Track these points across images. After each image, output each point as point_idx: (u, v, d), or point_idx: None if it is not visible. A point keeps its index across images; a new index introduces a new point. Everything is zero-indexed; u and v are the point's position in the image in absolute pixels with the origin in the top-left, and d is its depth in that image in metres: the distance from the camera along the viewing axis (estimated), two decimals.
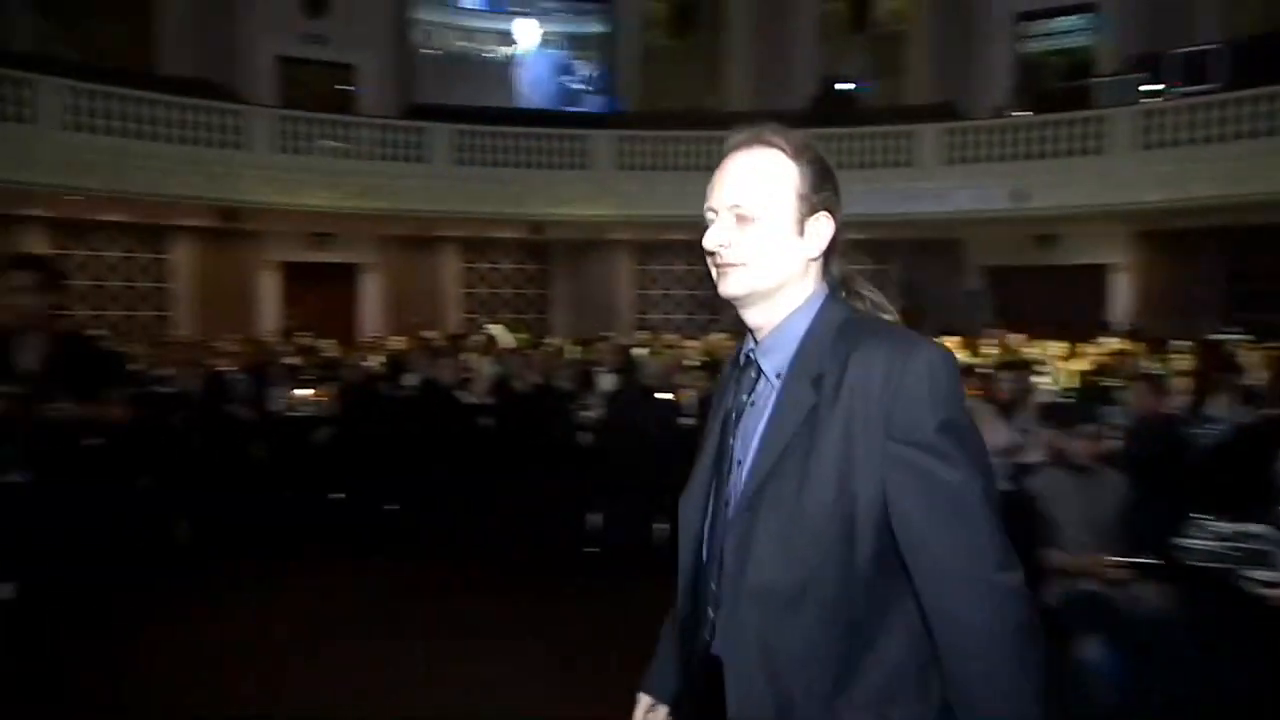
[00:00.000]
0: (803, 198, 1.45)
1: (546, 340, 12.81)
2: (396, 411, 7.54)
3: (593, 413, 7.28)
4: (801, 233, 1.45)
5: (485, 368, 8.72)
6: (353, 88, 16.73)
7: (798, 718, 1.36)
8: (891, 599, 1.38)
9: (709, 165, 1.49)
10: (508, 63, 17.30)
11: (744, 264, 1.45)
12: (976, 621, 1.32)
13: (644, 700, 1.72)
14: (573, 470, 6.78)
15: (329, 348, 11.75)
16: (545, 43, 17.48)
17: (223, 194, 13.36)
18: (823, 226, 1.47)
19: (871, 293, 1.55)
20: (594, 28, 17.53)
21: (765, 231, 1.44)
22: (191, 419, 6.83)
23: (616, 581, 5.59)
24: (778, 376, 1.46)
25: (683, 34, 18.17)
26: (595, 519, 6.43)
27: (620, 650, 2.79)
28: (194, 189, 13.03)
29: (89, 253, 14.48)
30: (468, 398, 7.68)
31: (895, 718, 1.37)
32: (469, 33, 17.10)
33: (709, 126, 14.50)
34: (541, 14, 17.44)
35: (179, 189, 12.90)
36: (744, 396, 1.50)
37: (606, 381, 8.11)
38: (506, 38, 17.27)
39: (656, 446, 6.11)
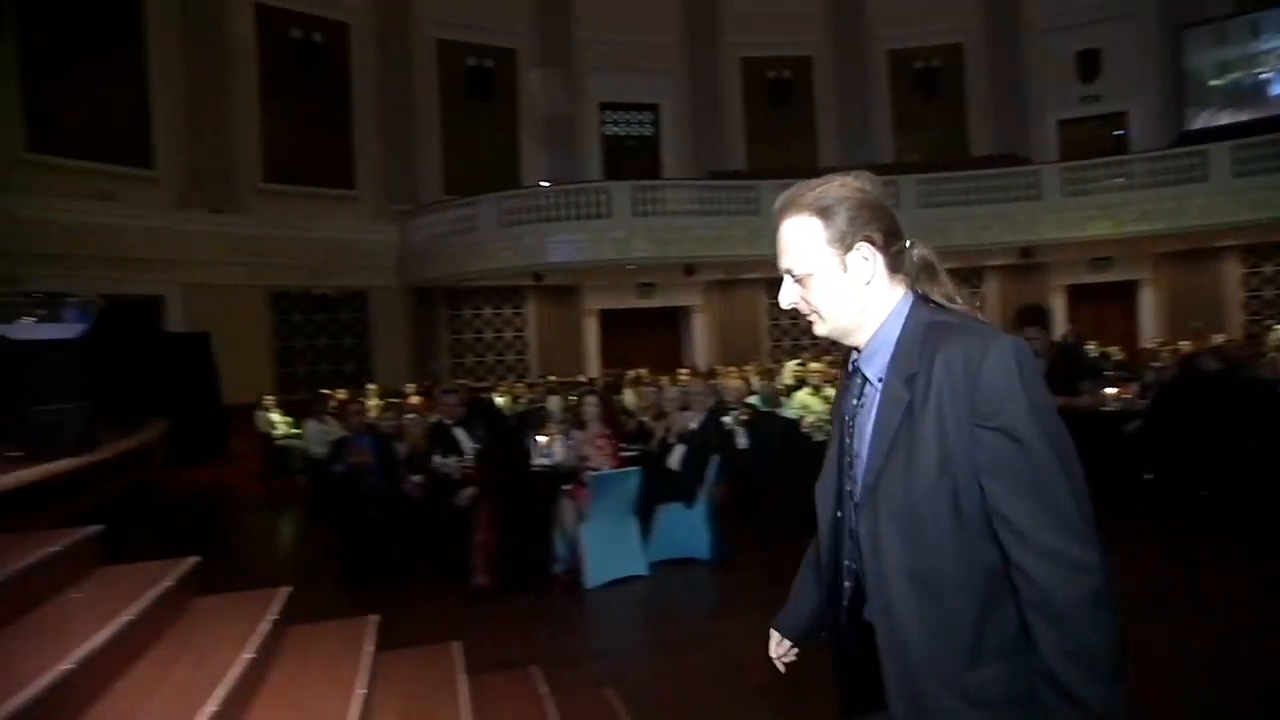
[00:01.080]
0: (833, 243, 1.34)
1: None
2: (1201, 406, 7.04)
3: None
4: (846, 269, 1.35)
5: None
6: (1123, 131, 15.89)
7: (933, 678, 1.28)
8: (1000, 566, 1.27)
9: None
10: None
11: (816, 313, 1.39)
12: (1051, 586, 1.21)
13: (775, 636, 1.66)
14: None
15: (1114, 352, 11.28)
16: None
17: (1022, 237, 13.81)
18: (862, 256, 1.35)
19: (954, 296, 1.39)
20: None
21: (818, 284, 1.36)
22: None
23: None
24: (879, 380, 1.36)
25: None
26: None
27: None
28: (999, 236, 13.74)
29: None
30: None
31: (1011, 670, 1.27)
32: (1238, 60, 14.67)
33: None
34: None
35: (989, 238, 13.72)
36: (854, 400, 1.41)
37: None
38: (1276, 55, 14.35)
39: None
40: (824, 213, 1.36)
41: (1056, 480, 1.23)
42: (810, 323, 1.42)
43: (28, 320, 5.48)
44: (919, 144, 16.55)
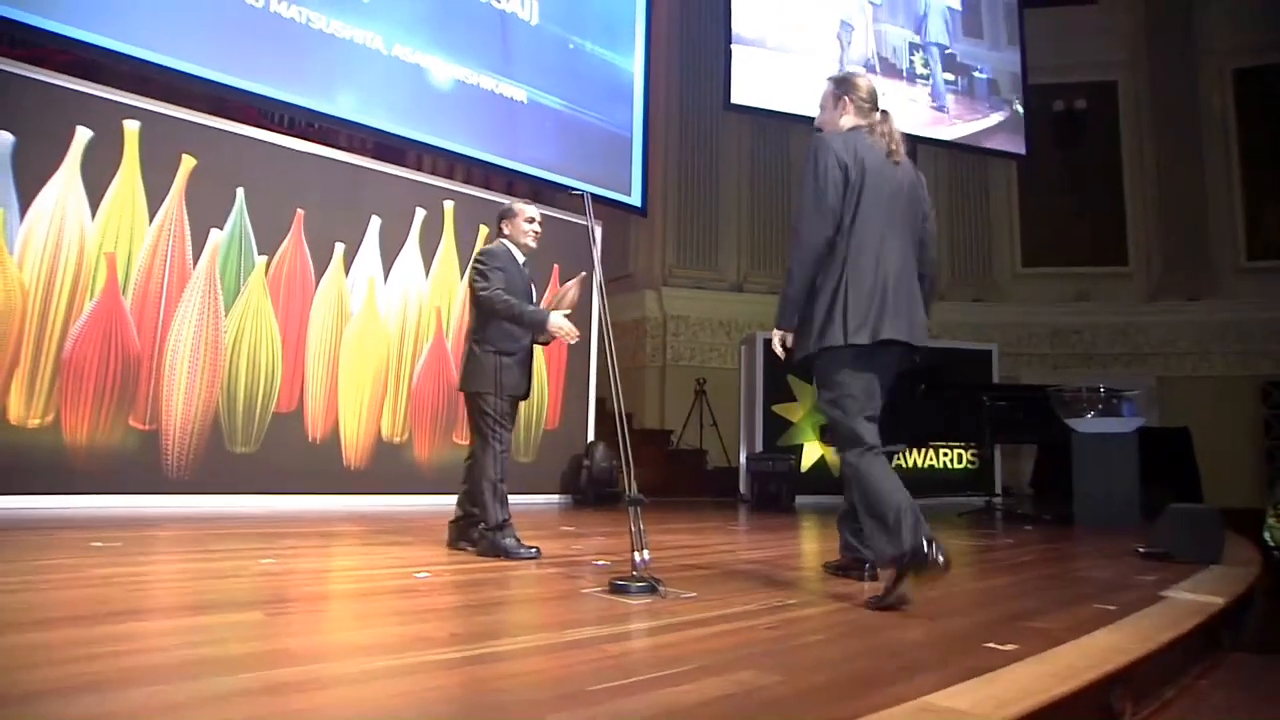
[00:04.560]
0: (830, 96, 2.68)
1: None
2: None
3: None
4: (833, 107, 2.66)
5: None
6: None
7: None
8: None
9: None
10: None
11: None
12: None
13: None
14: None
15: None
16: None
17: None
18: (844, 105, 2.63)
19: (875, 127, 2.58)
20: None
21: (823, 113, 2.71)
22: None
23: None
24: None
25: None
26: None
27: None
28: None
29: None
30: None
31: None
32: None
33: None
34: None
35: None
36: None
37: None
38: None
39: None
40: (829, 83, 2.71)
41: (808, 199, 2.45)
42: None
43: (1090, 415, 5.54)
44: None
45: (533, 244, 3.45)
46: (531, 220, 3.43)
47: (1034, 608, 2.35)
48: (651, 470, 8.76)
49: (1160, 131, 11.79)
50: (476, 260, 3.30)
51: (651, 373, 10.69)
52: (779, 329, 2.56)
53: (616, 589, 2.39)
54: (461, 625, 1.88)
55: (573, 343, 3.42)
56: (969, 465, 8.54)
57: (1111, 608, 2.32)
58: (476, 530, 3.27)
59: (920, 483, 8.24)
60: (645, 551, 2.43)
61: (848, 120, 2.60)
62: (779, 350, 2.59)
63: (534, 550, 3.20)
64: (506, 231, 3.43)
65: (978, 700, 1.39)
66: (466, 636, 1.75)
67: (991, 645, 1.82)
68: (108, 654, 1.50)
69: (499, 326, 3.26)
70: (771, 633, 1.92)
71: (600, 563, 3.12)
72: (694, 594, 2.42)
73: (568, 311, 3.30)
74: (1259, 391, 11.12)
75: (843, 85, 2.65)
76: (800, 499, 7.43)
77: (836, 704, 1.36)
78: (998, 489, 8.33)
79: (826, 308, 2.39)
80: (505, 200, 7.09)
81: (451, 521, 3.42)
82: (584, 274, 3.48)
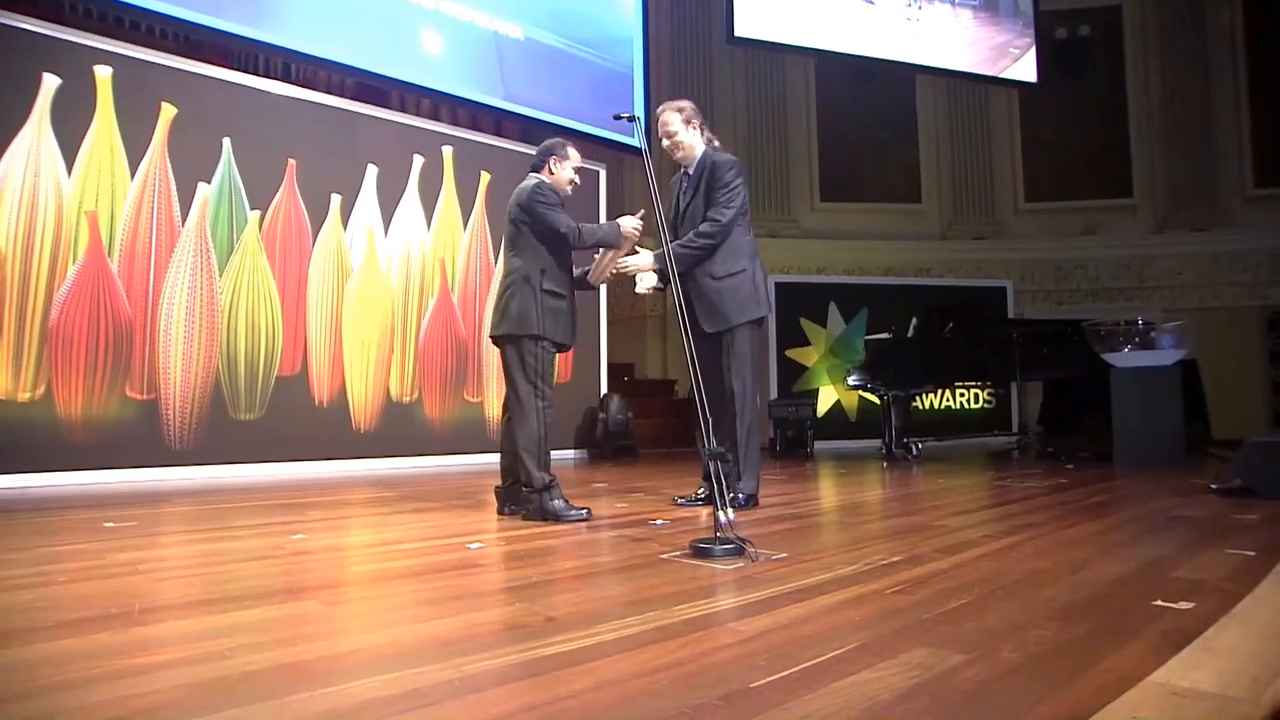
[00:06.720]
0: (684, 121, 3.30)
1: None
2: None
3: None
4: (689, 130, 3.31)
5: None
6: None
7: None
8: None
9: None
10: None
11: (678, 149, 3.33)
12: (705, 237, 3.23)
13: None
14: None
15: None
16: None
17: None
18: (693, 128, 3.31)
19: (715, 142, 3.39)
20: None
21: (677, 139, 3.31)
22: None
23: None
24: (688, 174, 3.34)
25: None
26: None
27: None
28: None
29: None
30: None
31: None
32: None
33: None
34: None
35: None
36: (683, 185, 3.35)
37: None
38: None
39: None
40: (679, 110, 3.31)
41: (729, 194, 3.21)
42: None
43: (1127, 349, 5.32)
44: None
45: (570, 192, 3.14)
46: (579, 169, 3.20)
47: (1164, 555, 2.12)
48: (656, 421, 8.54)
49: (1166, 55, 11.42)
50: (537, 193, 2.99)
51: (652, 322, 10.39)
52: (655, 268, 3.23)
53: (699, 552, 2.14)
54: (551, 607, 1.62)
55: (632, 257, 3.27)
56: (985, 405, 8.37)
57: (1250, 552, 2.11)
58: (524, 492, 3.01)
59: (940, 424, 8.07)
60: (730, 510, 2.18)
61: (700, 138, 3.33)
62: (648, 289, 3.29)
63: (584, 511, 2.95)
64: (554, 170, 3.12)
65: (1222, 678, 1.15)
66: (566, 622, 1.49)
67: (1161, 603, 1.59)
68: (153, 667, 1.23)
69: (552, 266, 2.98)
70: (906, 597, 1.67)
71: (659, 522, 2.88)
72: (784, 554, 2.18)
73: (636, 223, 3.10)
74: (1266, 321, 11.00)
75: (690, 110, 3.33)
76: (818, 444, 7.23)
77: (1057, 686, 1.12)
78: (1015, 428, 8.18)
79: (750, 287, 3.23)
80: (509, 145, 6.72)
81: (498, 487, 3.15)
82: (643, 210, 3.16)
